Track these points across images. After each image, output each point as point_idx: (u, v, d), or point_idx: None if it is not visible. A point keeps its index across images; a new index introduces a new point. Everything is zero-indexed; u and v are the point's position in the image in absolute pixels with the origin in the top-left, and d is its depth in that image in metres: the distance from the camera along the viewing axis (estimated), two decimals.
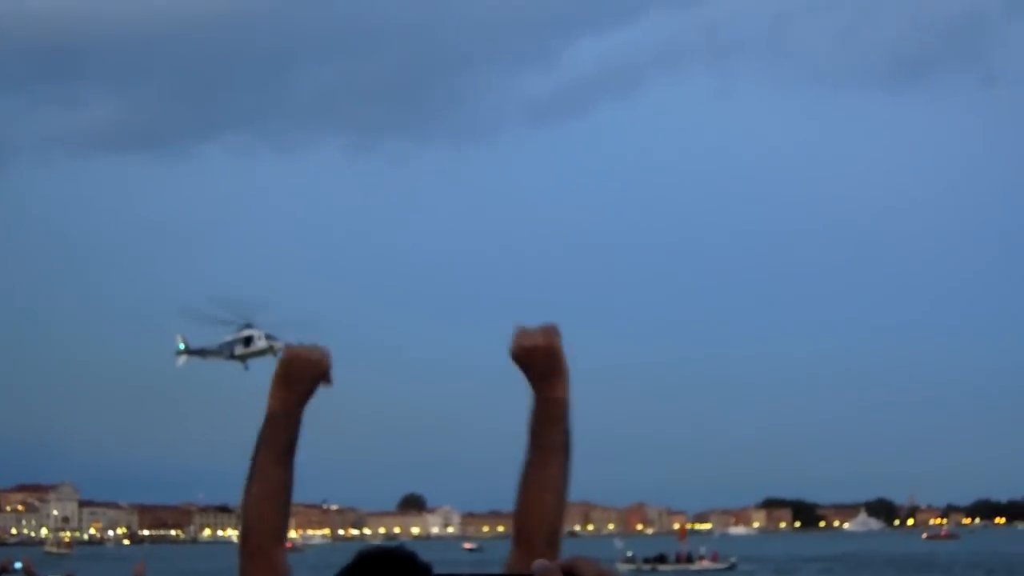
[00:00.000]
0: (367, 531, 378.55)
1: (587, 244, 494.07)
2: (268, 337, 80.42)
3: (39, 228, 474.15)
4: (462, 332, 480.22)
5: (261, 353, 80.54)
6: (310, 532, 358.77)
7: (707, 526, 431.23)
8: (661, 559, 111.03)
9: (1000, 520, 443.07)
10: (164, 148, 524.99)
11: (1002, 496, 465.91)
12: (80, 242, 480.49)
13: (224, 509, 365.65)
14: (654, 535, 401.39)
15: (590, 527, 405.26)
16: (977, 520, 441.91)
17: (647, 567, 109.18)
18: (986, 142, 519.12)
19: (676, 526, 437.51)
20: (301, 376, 4.21)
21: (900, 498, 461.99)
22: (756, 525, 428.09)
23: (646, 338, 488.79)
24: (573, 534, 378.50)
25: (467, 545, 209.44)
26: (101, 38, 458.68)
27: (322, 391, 4.09)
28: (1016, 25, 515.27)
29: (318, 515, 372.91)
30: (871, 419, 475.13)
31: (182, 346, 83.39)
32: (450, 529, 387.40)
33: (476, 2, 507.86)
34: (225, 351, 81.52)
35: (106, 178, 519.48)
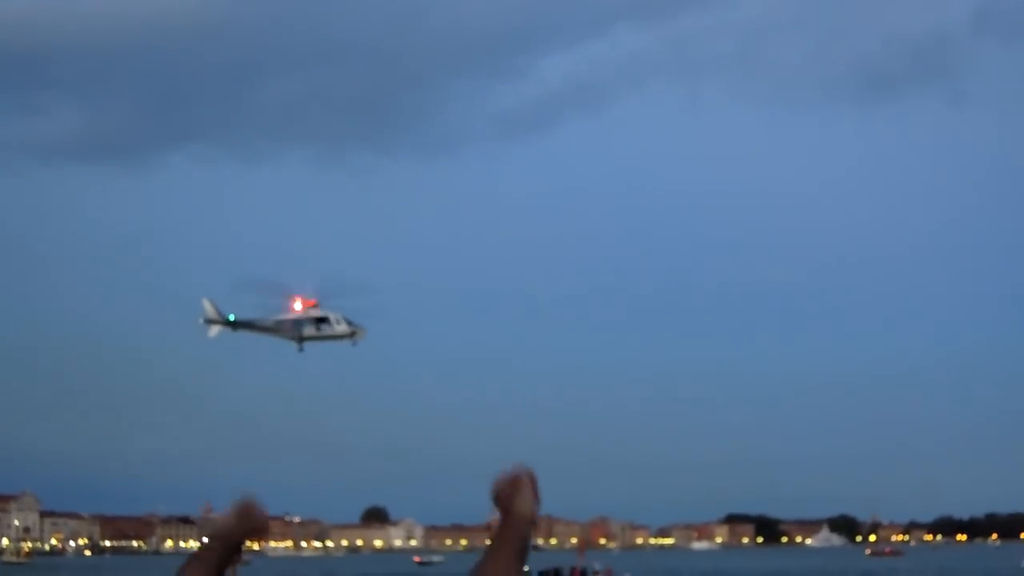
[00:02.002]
0: (330, 543, 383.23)
1: (553, 259, 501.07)
2: (348, 322, 77.10)
3: None
4: (425, 348, 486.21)
5: (338, 338, 77.24)
6: (272, 544, 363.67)
7: (669, 540, 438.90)
8: (556, 573, 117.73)
9: (962, 537, 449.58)
10: (129, 158, 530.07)
11: (963, 513, 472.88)
12: (40, 251, 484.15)
13: (186, 520, 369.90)
14: (614, 548, 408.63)
15: (553, 541, 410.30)
16: (939, 537, 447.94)
17: None
18: (953, 158, 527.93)
19: (639, 540, 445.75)
20: (250, 523, 4.91)
21: (863, 515, 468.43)
22: (719, 540, 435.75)
23: (611, 354, 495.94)
24: (535, 548, 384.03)
25: (417, 559, 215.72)
26: (64, 48, 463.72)
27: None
28: (984, 43, 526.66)
29: (281, 527, 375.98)
30: (835, 436, 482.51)
31: (210, 312, 76.77)
32: (413, 542, 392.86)
33: (443, 16, 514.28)
34: (287, 328, 76.71)
35: (68, 187, 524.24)
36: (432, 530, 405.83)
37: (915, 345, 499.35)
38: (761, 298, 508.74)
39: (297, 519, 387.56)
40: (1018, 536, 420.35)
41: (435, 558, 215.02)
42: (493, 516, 3.93)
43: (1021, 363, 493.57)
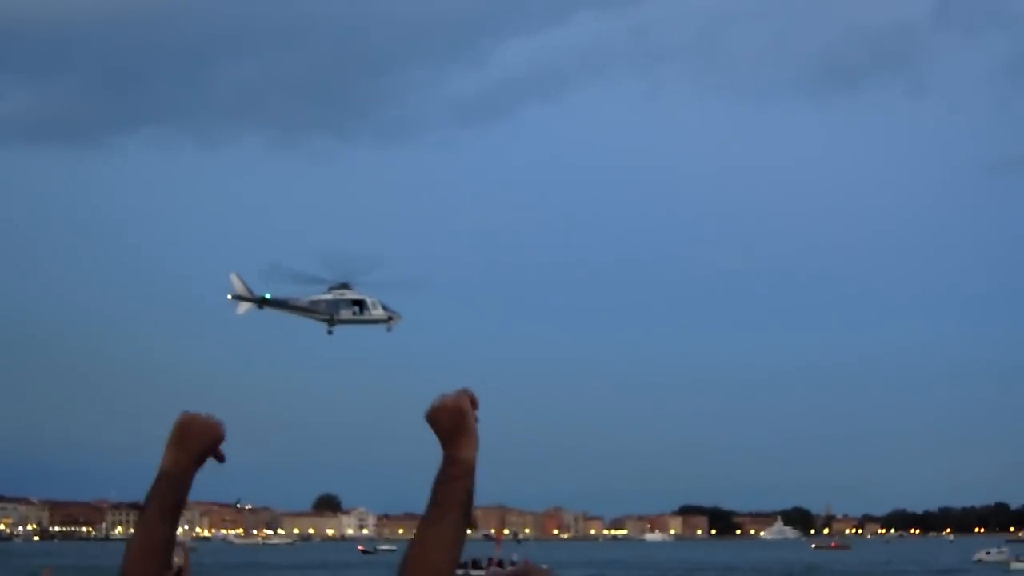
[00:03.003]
0: (281, 531, 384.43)
1: (511, 246, 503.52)
2: (385, 308, 76.90)
3: None
4: (377, 335, 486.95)
5: (374, 322, 77.18)
6: (223, 531, 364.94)
7: (623, 532, 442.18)
8: (475, 564, 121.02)
9: (915, 531, 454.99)
10: (83, 140, 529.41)
11: (917, 507, 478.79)
12: None
13: (137, 506, 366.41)
14: (571, 539, 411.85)
15: (506, 532, 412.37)
16: (892, 530, 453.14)
17: (460, 572, 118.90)
18: (913, 150, 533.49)
19: (592, 531, 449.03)
20: (197, 441, 4.46)
21: (817, 507, 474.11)
22: (672, 532, 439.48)
23: (566, 344, 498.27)
24: (488, 538, 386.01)
25: (361, 548, 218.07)
26: (18, 28, 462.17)
27: (212, 463, 4.46)
28: (945, 35, 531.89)
29: (232, 514, 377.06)
30: (789, 429, 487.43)
31: (238, 288, 75.26)
32: (365, 531, 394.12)
33: (403, 1, 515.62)
34: (322, 310, 75.65)
35: (20, 168, 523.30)
36: (385, 519, 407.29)
37: (871, 338, 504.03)
38: (718, 287, 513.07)
39: (249, 506, 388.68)
40: (972, 530, 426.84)
41: (384, 547, 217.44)
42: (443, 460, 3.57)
43: (977, 357, 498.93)
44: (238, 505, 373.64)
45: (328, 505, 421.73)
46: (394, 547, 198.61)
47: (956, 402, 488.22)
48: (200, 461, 4.49)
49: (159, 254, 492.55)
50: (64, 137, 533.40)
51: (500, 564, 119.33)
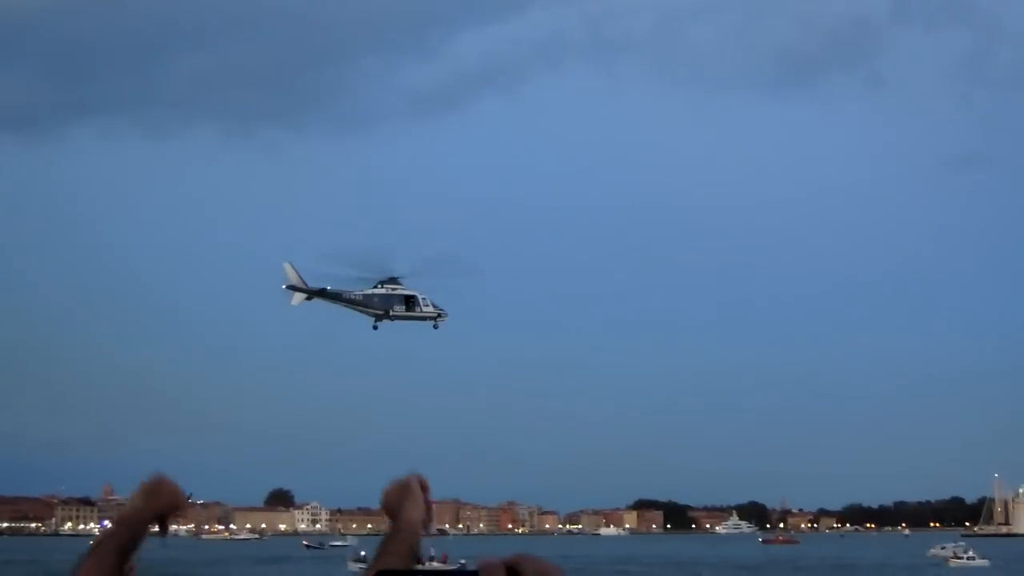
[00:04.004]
0: (233, 526, 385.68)
1: (464, 237, 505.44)
2: (434, 305, 77.67)
3: None
4: (334, 333, 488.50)
5: (423, 319, 77.70)
6: (174, 527, 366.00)
7: (578, 526, 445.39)
8: None
9: (870, 525, 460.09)
10: (33, 130, 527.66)
11: (873, 502, 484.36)
12: None
13: (86, 502, 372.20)
14: (526, 534, 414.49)
15: (460, 526, 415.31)
16: (847, 525, 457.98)
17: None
18: (872, 145, 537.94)
19: (547, 526, 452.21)
20: (163, 501, 4.97)
21: (772, 502, 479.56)
22: (628, 527, 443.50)
23: (518, 337, 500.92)
24: (442, 532, 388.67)
25: (305, 543, 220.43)
26: None
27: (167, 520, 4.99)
28: (902, 28, 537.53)
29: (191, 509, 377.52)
30: (744, 424, 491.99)
31: (292, 278, 75.37)
32: (318, 525, 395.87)
33: None
34: (375, 304, 76.01)
35: None
36: (338, 513, 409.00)
37: (827, 333, 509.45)
38: (674, 282, 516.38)
39: (200, 501, 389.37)
40: (927, 525, 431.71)
41: (336, 543, 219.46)
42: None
43: (932, 354, 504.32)
44: (189, 500, 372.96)
45: (281, 500, 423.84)
46: (346, 542, 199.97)
47: (912, 398, 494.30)
48: (157, 519, 4.93)
49: (108, 243, 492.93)
50: (13, 127, 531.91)
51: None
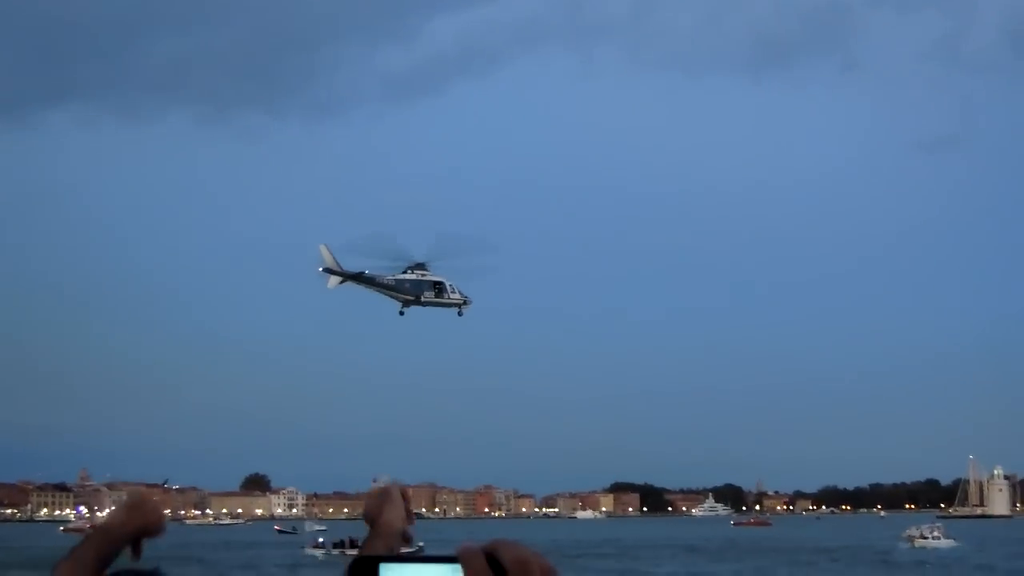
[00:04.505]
0: (210, 511, 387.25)
1: (442, 221, 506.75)
2: (460, 291, 77.97)
3: None
4: (314, 314, 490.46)
5: (450, 305, 78.02)
6: None
7: (554, 509, 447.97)
8: (352, 543, 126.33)
9: (846, 507, 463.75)
10: (6, 115, 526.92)
11: (848, 484, 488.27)
12: None
13: (62, 488, 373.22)
14: (503, 517, 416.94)
15: (436, 509, 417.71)
16: (823, 507, 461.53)
17: (336, 552, 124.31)
18: (847, 127, 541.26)
19: (524, 509, 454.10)
20: (145, 519, 4.96)
21: (748, 484, 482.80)
22: (604, 510, 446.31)
23: (494, 322, 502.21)
24: (419, 516, 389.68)
25: (277, 527, 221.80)
26: None
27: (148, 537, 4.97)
28: (876, 11, 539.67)
29: (159, 495, 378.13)
30: (720, 407, 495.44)
31: (328, 260, 74.87)
32: (295, 510, 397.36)
33: None
34: (407, 290, 75.95)
35: None
36: (315, 498, 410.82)
37: (802, 314, 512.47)
38: (649, 264, 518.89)
39: (176, 487, 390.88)
40: (903, 506, 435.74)
41: (312, 526, 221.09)
42: (375, 482, 6.37)
43: (907, 336, 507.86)
44: (165, 485, 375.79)
45: (257, 484, 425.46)
46: (324, 527, 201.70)
47: (887, 381, 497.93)
48: (135, 534, 4.96)
49: (84, 227, 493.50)
50: None
51: None
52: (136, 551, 5.01)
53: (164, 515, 5.12)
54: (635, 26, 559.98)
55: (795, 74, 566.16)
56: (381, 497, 4.82)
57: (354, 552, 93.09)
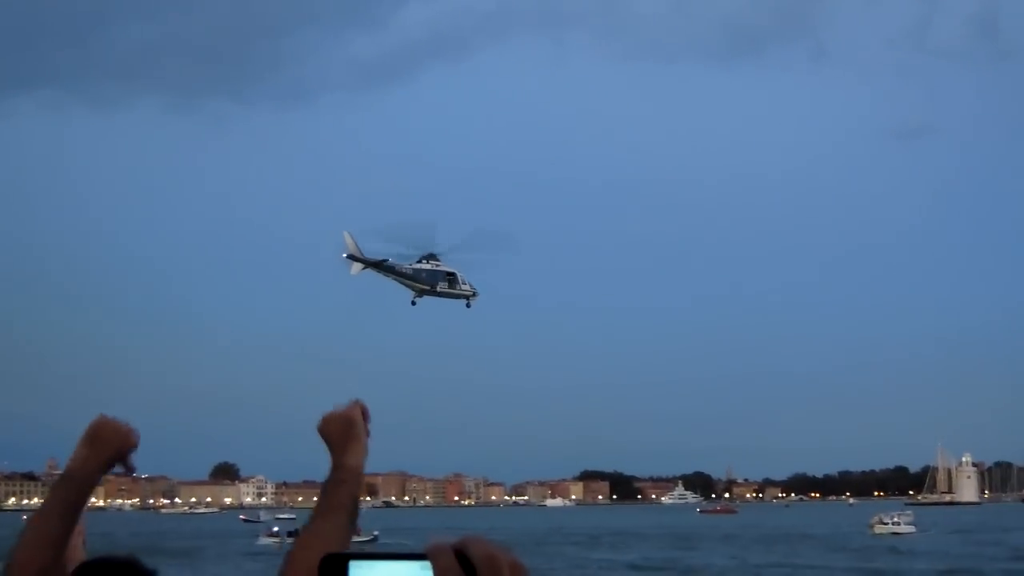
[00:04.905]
0: (178, 500, 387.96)
1: (411, 209, 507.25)
2: (470, 284, 78.33)
3: None
4: (280, 302, 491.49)
5: (460, 296, 78.18)
6: (119, 501, 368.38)
7: (524, 498, 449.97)
8: (294, 533, 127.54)
9: (815, 494, 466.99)
10: None
11: (818, 471, 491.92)
12: None
13: (30, 477, 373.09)
14: (472, 505, 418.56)
15: (406, 498, 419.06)
16: (792, 494, 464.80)
17: (289, 540, 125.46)
18: (818, 115, 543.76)
19: (493, 497, 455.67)
20: (108, 446, 4.74)
21: (718, 472, 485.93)
22: (574, 497, 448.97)
23: (462, 311, 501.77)
24: (389, 504, 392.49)
25: (242, 516, 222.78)
26: None
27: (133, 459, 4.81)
28: (847, 0, 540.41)
29: (127, 483, 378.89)
30: (690, 395, 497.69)
31: (351, 247, 74.32)
32: (264, 499, 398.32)
33: None
34: (423, 279, 75.87)
35: None
36: (284, 486, 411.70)
37: (772, 303, 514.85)
38: (616, 252, 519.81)
39: (145, 475, 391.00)
40: (871, 494, 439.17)
41: (284, 515, 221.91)
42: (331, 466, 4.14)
43: (876, 324, 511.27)
44: (133, 474, 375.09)
45: (226, 473, 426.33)
46: (293, 515, 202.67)
47: (856, 369, 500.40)
48: (108, 466, 4.79)
49: (50, 215, 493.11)
50: None
51: None
52: (127, 468, 4.87)
53: (130, 431, 4.89)
54: (605, 13, 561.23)
55: (766, 62, 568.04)
56: (345, 427, 4.42)
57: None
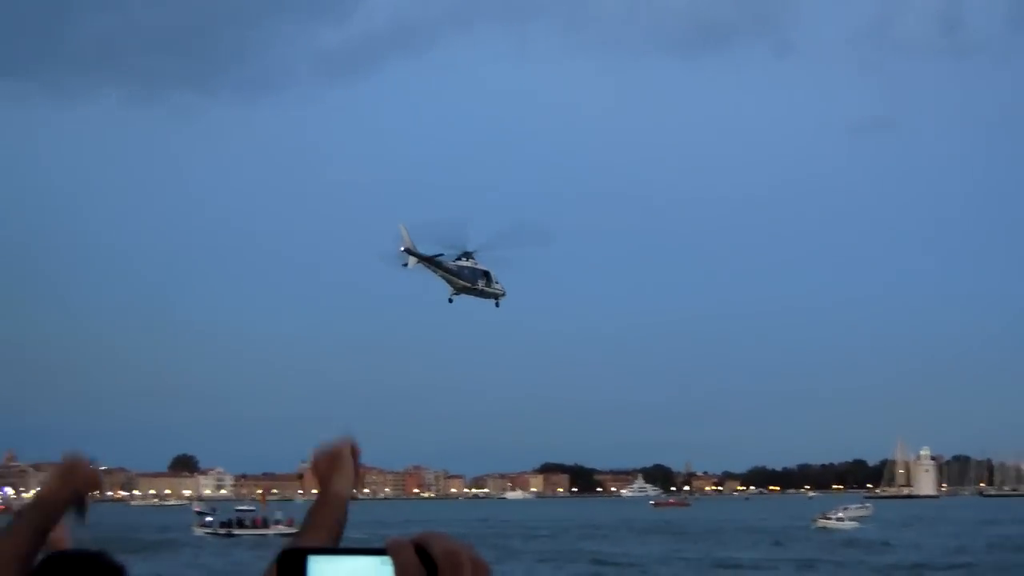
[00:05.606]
0: (137, 492, 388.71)
1: (376, 203, 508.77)
2: (500, 284, 78.38)
3: None
4: (243, 295, 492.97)
5: (492, 296, 78.08)
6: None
7: (484, 490, 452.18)
8: (240, 523, 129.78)
9: (775, 488, 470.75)
10: None
11: (777, 464, 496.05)
12: None
13: None
14: (432, 498, 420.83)
15: (366, 491, 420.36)
16: (752, 487, 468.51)
17: (223, 531, 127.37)
18: (781, 109, 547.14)
19: (453, 490, 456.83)
20: (78, 481, 5.03)
21: (678, 465, 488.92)
22: (534, 490, 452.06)
23: (425, 302, 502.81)
24: (351, 497, 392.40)
25: (197, 508, 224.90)
26: None
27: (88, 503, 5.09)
28: None
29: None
30: (650, 388, 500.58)
31: (407, 241, 73.83)
32: (223, 491, 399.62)
33: None
34: (466, 276, 76.26)
35: None
36: (243, 479, 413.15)
37: (732, 296, 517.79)
38: (578, 245, 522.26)
39: (103, 467, 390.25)
40: (830, 487, 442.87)
41: (244, 507, 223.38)
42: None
43: (835, 317, 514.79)
44: (102, 477, 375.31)
45: (185, 465, 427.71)
46: (252, 507, 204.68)
47: (814, 362, 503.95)
48: (73, 500, 5.12)
49: (11, 207, 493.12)
50: None
51: (265, 522, 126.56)
52: (82, 510, 5.20)
53: (98, 472, 5.27)
54: (569, 6, 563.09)
55: (730, 56, 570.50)
56: (331, 460, 4.68)
57: (242, 532, 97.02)
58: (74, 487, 5.10)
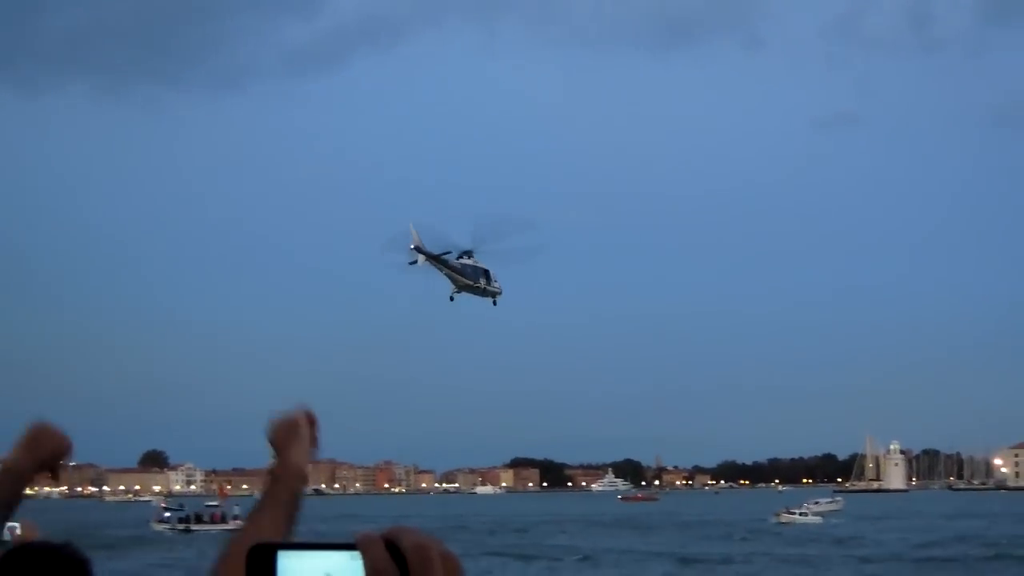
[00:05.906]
0: (106, 488, 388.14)
1: (345, 197, 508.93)
2: (498, 283, 78.57)
3: None
4: (213, 289, 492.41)
5: (490, 294, 78.14)
6: (47, 489, 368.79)
7: (455, 485, 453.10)
8: (198, 518, 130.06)
9: (745, 482, 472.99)
10: None
11: (747, 458, 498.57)
12: None
13: None
14: (403, 493, 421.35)
15: (336, 485, 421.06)
16: (722, 482, 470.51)
17: (180, 526, 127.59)
18: (749, 104, 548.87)
19: (424, 485, 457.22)
20: (44, 449, 4.91)
21: (648, 459, 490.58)
22: (504, 485, 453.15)
23: (395, 298, 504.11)
24: (319, 492, 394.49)
25: (163, 504, 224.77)
26: None
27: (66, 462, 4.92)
28: None
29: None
30: (620, 382, 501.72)
31: (416, 240, 73.60)
32: (193, 487, 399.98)
33: None
34: (469, 274, 76.06)
35: None
36: (213, 474, 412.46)
37: (703, 292, 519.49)
38: (548, 240, 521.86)
39: (72, 463, 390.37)
40: (800, 481, 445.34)
41: (212, 502, 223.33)
42: (272, 462, 4.02)
43: (802, 312, 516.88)
44: (71, 446, 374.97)
45: (154, 461, 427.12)
46: (216, 502, 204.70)
47: (784, 356, 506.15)
48: (41, 468, 5.02)
49: None
50: None
51: (223, 518, 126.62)
52: (55, 476, 5.11)
53: (66, 439, 5.12)
54: (538, 1, 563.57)
55: (700, 51, 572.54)
56: (288, 430, 4.57)
57: (200, 528, 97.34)
58: (41, 457, 4.99)
